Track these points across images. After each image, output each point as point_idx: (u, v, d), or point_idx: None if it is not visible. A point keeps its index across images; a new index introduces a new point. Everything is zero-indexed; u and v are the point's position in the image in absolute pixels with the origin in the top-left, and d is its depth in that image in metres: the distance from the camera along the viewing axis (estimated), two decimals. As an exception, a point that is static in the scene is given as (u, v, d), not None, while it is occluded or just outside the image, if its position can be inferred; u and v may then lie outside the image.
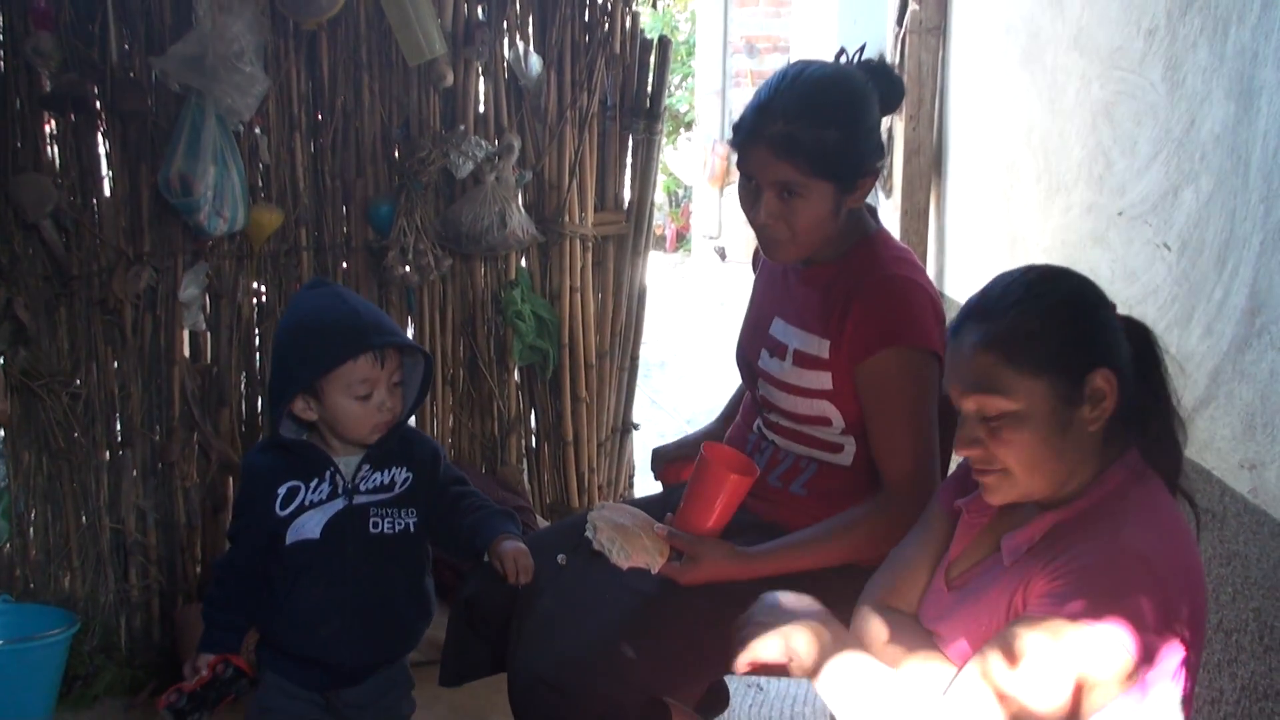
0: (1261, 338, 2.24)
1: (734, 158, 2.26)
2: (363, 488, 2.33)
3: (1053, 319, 1.73)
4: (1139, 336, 1.81)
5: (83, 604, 3.57)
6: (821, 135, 2.14)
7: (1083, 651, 1.58)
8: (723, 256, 11.10)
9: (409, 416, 2.40)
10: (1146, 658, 1.59)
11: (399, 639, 2.42)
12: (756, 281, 2.59)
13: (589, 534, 2.25)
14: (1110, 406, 1.72)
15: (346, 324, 2.24)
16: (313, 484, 2.31)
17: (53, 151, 3.47)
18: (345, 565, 2.31)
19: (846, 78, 2.24)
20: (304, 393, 2.26)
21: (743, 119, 2.24)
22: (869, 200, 2.36)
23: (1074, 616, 1.60)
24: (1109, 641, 1.58)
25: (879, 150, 2.27)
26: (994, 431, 1.74)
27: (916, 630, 1.88)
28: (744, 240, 10.67)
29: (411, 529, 2.36)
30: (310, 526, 2.29)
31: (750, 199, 2.25)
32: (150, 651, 3.64)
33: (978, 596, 1.81)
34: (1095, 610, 1.59)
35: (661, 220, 12.90)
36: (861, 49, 2.31)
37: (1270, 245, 2.21)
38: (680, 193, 13.29)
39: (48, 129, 3.47)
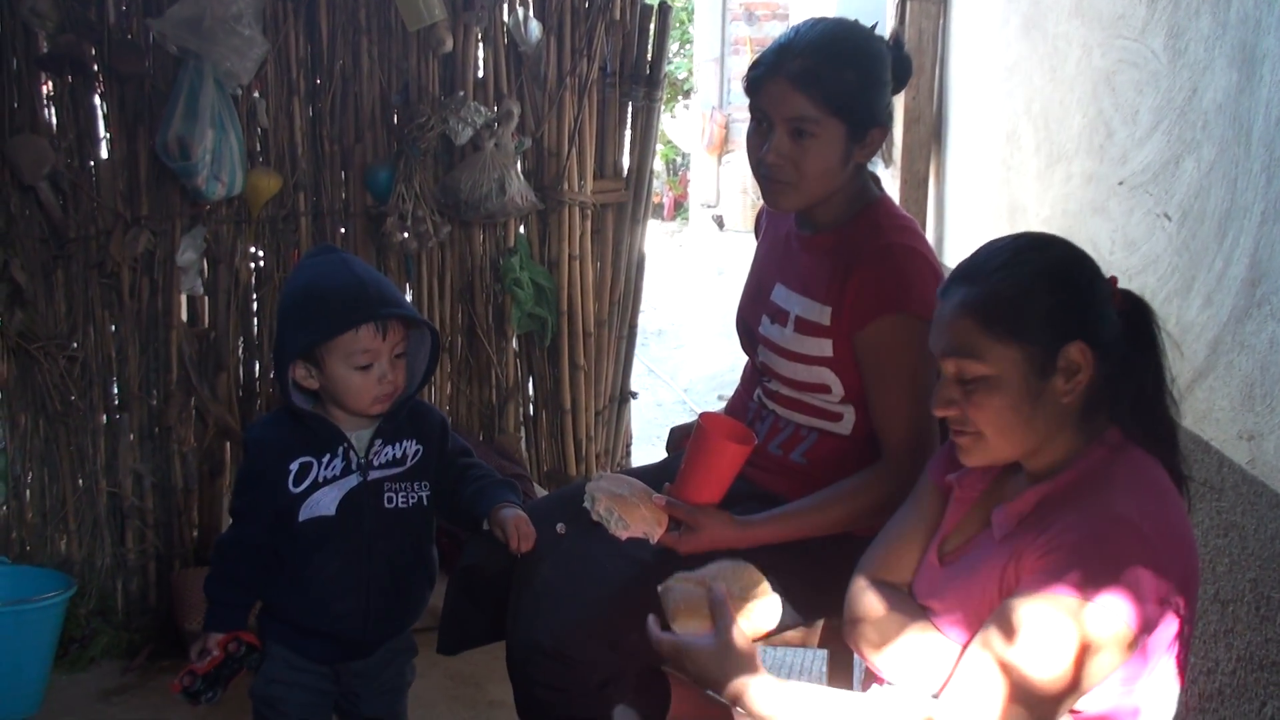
0: (1261, 308, 2.23)
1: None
2: (376, 462, 2.31)
3: (1033, 288, 1.74)
4: (1138, 312, 1.80)
5: (79, 567, 3.58)
6: (840, 73, 2.17)
7: (1082, 622, 1.59)
8: (720, 225, 11.09)
9: (418, 390, 2.37)
10: (1145, 625, 1.60)
11: (411, 610, 2.42)
12: (758, 247, 2.58)
13: (587, 504, 2.23)
14: (1085, 380, 1.73)
15: (349, 293, 2.20)
16: (325, 459, 2.28)
17: (50, 113, 3.47)
18: (361, 541, 2.29)
19: (867, 32, 2.27)
20: (305, 360, 2.23)
21: (762, 58, 2.25)
22: (871, 168, 2.36)
23: (1070, 588, 1.60)
24: (1107, 611, 1.58)
25: (889, 111, 2.28)
26: (969, 394, 1.76)
27: (910, 605, 1.88)
28: (741, 208, 10.65)
29: (424, 502, 2.35)
30: (325, 503, 2.27)
31: (759, 140, 2.24)
32: (146, 615, 3.66)
33: (970, 571, 1.81)
34: (1091, 581, 1.59)
35: (659, 188, 12.89)
36: (874, 27, 2.33)
37: (1271, 215, 2.20)
38: (678, 161, 13.27)
39: (45, 90, 3.45)
